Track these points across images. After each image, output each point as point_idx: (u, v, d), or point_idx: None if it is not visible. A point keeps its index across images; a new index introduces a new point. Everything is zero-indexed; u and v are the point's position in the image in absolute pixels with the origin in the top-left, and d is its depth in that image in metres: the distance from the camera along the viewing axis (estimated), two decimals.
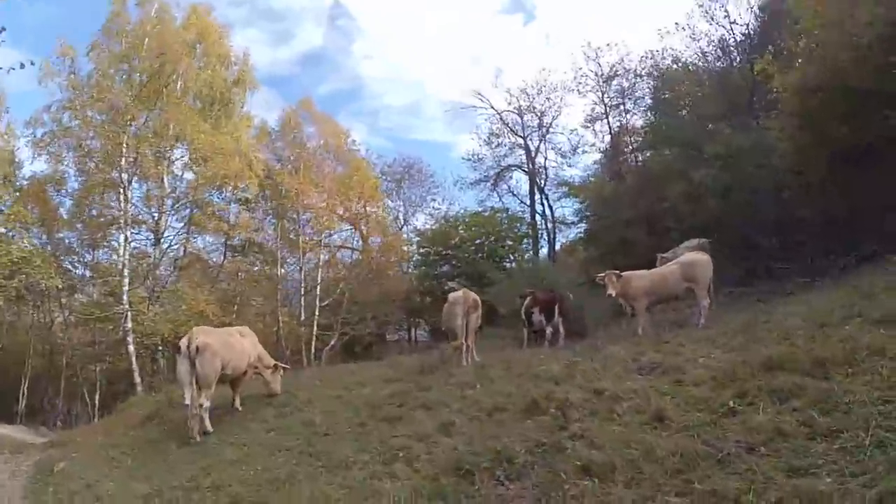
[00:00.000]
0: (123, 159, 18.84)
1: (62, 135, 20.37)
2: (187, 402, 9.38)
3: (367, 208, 24.58)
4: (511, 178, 31.94)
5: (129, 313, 17.62)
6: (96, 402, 21.27)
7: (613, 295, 11.14)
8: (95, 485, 8.07)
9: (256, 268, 24.59)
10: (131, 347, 17.55)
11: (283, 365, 11.81)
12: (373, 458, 6.91)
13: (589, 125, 29.32)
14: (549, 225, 30.09)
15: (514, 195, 31.65)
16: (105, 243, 22.70)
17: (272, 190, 22.72)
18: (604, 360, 8.27)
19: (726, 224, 14.55)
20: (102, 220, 21.47)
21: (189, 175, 22.23)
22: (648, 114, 26.26)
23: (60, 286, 18.33)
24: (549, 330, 12.63)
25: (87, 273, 23.68)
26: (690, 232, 15.06)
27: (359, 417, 8.67)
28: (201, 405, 9.53)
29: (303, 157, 22.71)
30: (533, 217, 29.97)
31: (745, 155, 14.46)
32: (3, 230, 17.34)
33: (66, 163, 21.28)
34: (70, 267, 23.05)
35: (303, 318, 21.49)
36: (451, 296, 11.36)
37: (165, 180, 20.44)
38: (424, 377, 10.18)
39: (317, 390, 11.29)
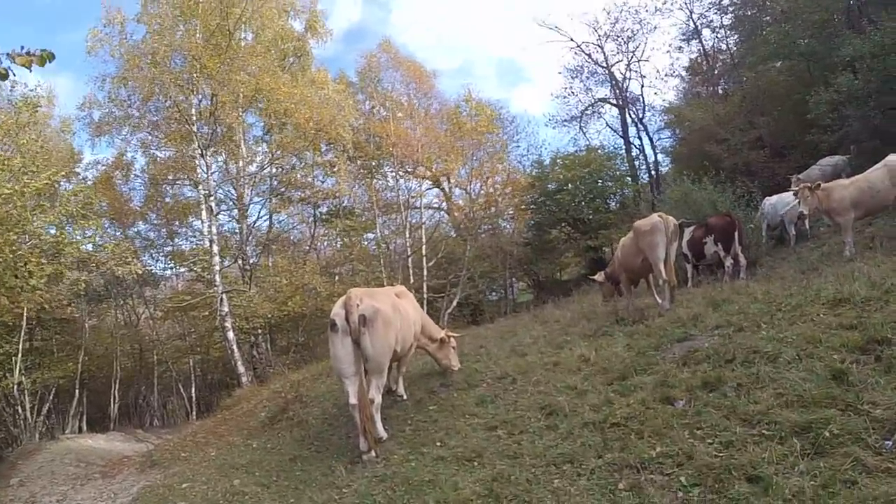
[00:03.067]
0: (195, 125, 14.94)
1: (123, 116, 16.77)
2: (353, 400, 5.54)
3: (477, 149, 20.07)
4: (605, 112, 27.02)
5: (223, 296, 13.81)
6: (193, 394, 19.20)
7: (806, 213, 9.21)
8: None
9: (351, 233, 20.71)
10: (230, 334, 13.82)
11: (453, 333, 7.70)
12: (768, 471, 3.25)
13: (682, 46, 24.89)
14: (651, 157, 25.48)
15: (611, 130, 26.64)
16: (184, 227, 19.79)
17: (359, 148, 18.69)
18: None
19: (881, 134, 12.02)
20: (177, 203, 18.23)
21: (263, 147, 18.67)
22: (728, 32, 22.99)
23: (140, 272, 14.64)
24: (728, 262, 9.81)
25: (170, 264, 20.59)
26: (830, 148, 13.62)
27: (632, 391, 4.92)
28: (372, 402, 5.58)
29: (390, 103, 18.66)
30: (628, 151, 24.96)
31: (887, 55, 12.08)
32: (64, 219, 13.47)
33: (131, 144, 18.02)
34: (150, 261, 20.22)
35: (412, 280, 17.46)
36: (644, 223, 7.88)
37: (243, 148, 16.54)
38: (636, 329, 6.99)
39: (501, 359, 7.56)
